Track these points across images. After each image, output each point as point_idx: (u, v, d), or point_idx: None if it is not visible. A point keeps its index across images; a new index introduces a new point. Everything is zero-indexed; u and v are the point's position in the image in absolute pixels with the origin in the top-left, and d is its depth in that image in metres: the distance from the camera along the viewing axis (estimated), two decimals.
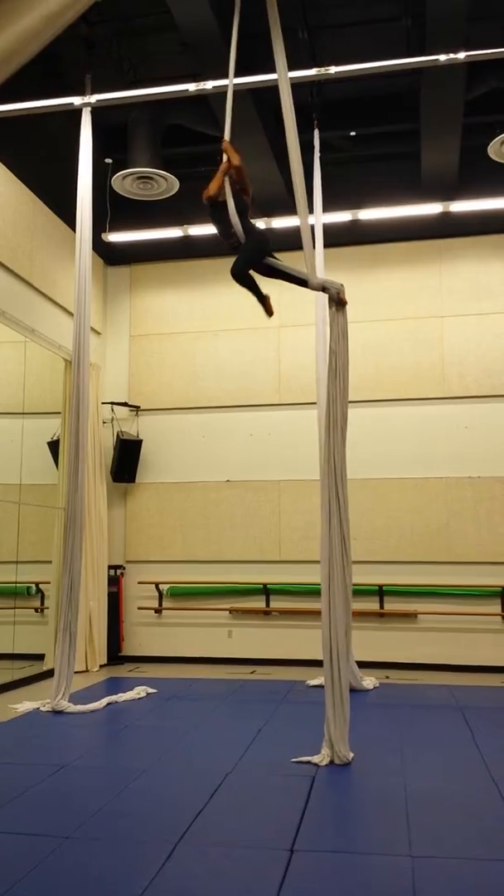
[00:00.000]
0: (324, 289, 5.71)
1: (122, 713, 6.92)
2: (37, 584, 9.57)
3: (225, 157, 5.95)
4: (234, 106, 6.15)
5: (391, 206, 9.14)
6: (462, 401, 9.63)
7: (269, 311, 6.05)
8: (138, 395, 10.51)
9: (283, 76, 5.58)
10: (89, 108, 7.25)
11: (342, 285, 5.69)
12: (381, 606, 9.40)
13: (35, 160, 8.59)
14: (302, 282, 5.71)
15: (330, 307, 5.72)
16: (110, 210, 9.27)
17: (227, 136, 6.13)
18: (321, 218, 8.15)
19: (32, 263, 8.60)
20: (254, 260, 5.78)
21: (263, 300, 5.98)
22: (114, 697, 7.31)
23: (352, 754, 5.19)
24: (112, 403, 10.31)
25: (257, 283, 5.89)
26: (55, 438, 9.49)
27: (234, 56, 6.08)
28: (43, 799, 4.51)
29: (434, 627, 9.35)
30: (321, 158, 8.11)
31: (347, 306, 5.67)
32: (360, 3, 7.39)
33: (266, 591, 9.74)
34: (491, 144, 7.87)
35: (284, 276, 5.79)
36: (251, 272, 5.81)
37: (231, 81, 6.15)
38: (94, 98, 7.20)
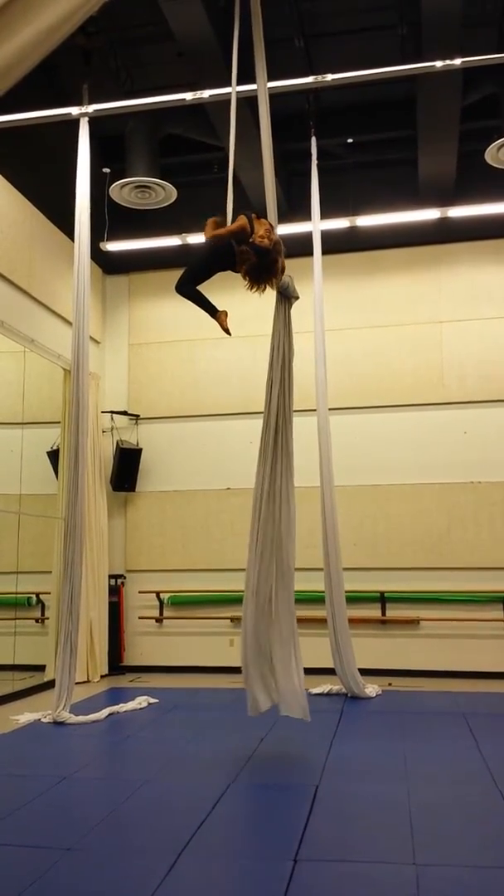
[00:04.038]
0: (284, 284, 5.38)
1: (124, 724, 6.89)
2: (37, 595, 9.54)
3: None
4: (231, 114, 6.08)
5: (389, 213, 9.13)
6: (462, 406, 9.63)
7: (225, 329, 5.53)
8: (138, 403, 10.50)
9: (263, 86, 5.50)
10: (87, 118, 7.26)
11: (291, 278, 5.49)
12: (383, 613, 9.36)
13: (33, 170, 8.60)
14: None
15: (281, 301, 5.48)
16: (108, 219, 9.28)
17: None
18: (319, 225, 8.17)
19: (31, 273, 8.60)
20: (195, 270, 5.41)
21: (216, 314, 5.51)
22: (115, 708, 7.27)
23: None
24: (112, 412, 10.31)
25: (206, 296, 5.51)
26: (55, 448, 9.48)
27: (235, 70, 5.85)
28: (44, 811, 4.48)
29: (436, 634, 9.32)
30: (319, 166, 8.12)
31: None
32: (356, 12, 7.42)
33: None
34: (488, 150, 7.89)
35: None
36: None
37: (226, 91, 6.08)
38: (91, 108, 7.22)
